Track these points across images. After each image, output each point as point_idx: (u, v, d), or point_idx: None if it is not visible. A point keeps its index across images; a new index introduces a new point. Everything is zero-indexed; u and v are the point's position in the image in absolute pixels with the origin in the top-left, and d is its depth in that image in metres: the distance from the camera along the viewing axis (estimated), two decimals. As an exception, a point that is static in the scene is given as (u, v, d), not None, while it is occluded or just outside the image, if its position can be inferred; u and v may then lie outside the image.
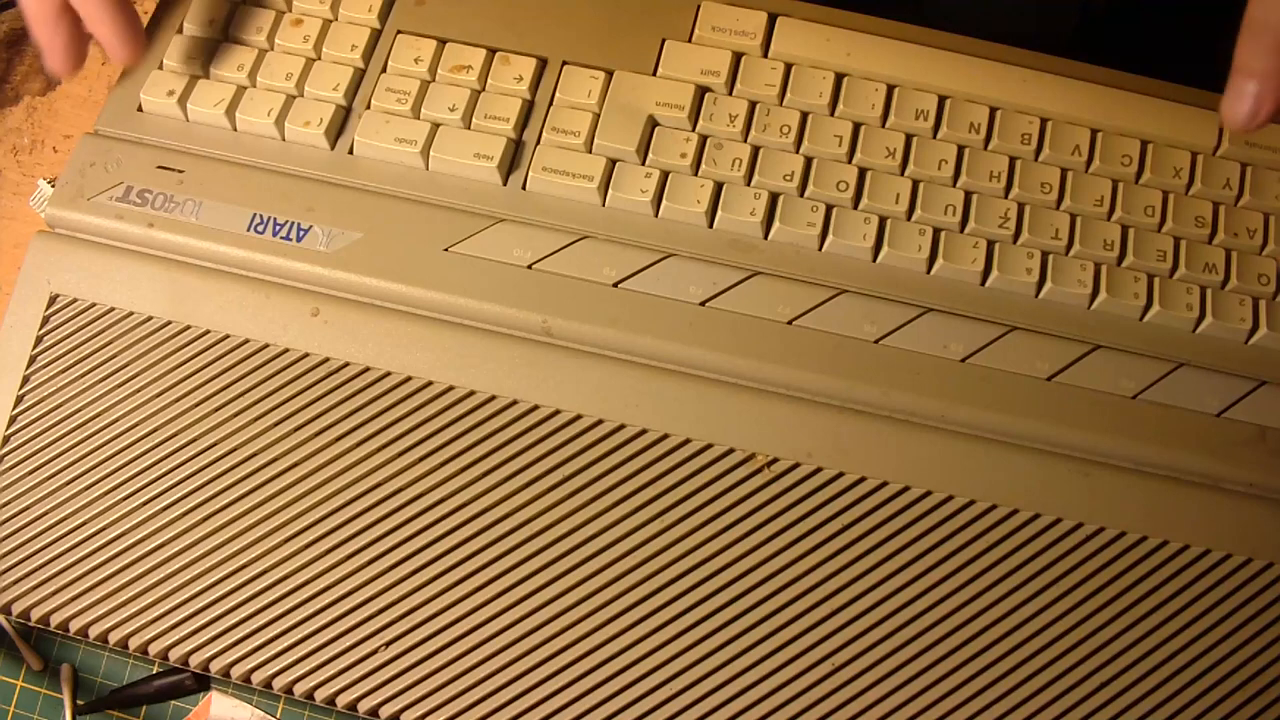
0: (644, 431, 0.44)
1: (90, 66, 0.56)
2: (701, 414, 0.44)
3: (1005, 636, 0.42)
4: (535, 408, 0.45)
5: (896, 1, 0.50)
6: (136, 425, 0.45)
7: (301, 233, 0.47)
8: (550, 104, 0.48)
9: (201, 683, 0.48)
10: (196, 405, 0.45)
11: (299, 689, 0.43)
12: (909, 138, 0.47)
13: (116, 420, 0.45)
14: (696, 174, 0.47)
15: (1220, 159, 0.47)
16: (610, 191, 0.47)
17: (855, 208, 0.46)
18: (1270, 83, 0.38)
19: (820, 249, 0.46)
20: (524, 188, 0.47)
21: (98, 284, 0.47)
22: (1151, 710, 0.41)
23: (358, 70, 0.49)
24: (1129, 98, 0.48)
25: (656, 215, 0.47)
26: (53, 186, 0.48)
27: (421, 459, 0.44)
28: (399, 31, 0.50)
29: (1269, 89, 0.38)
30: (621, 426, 0.44)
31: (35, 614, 0.44)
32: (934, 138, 0.47)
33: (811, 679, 0.42)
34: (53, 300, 0.47)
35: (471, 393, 0.45)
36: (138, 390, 0.46)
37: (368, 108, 0.48)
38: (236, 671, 0.43)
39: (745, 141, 0.47)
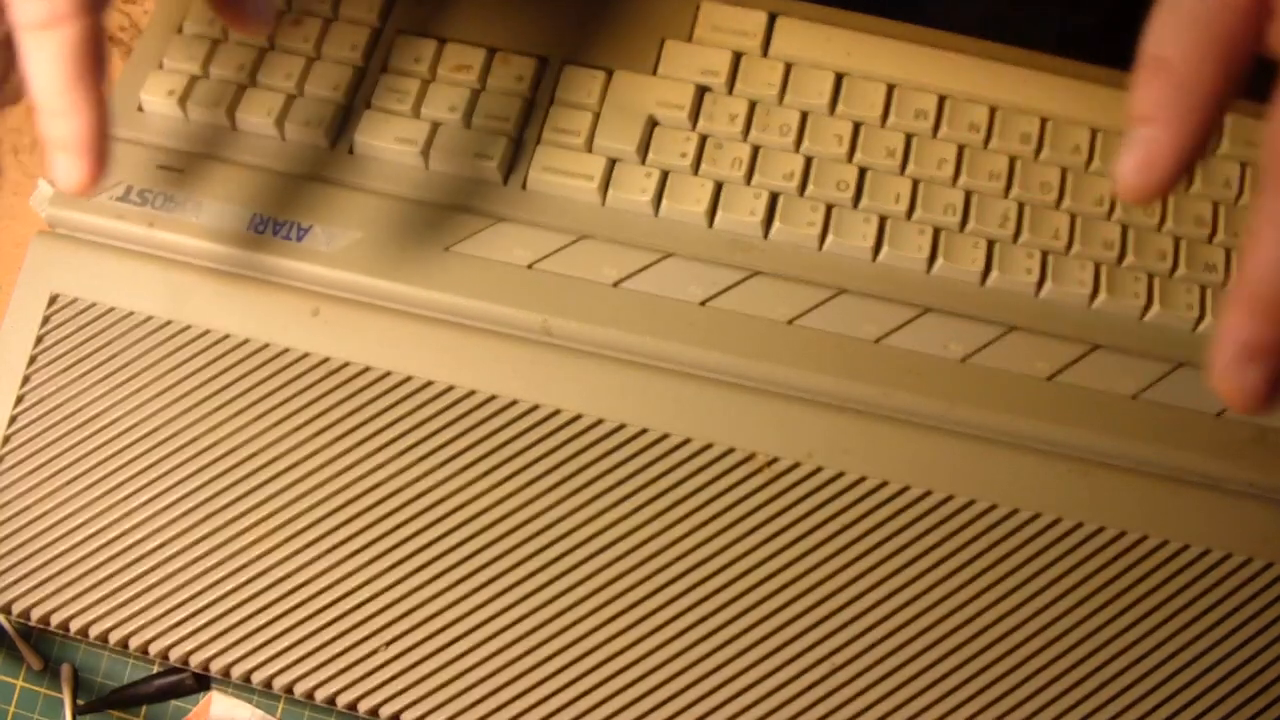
0: (644, 431, 0.44)
1: (90, 66, 0.56)
2: (701, 414, 0.44)
3: (1005, 636, 0.42)
4: (535, 408, 0.45)
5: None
6: (137, 425, 0.45)
7: (301, 233, 0.47)
8: (550, 104, 0.48)
9: (201, 683, 0.48)
10: (196, 405, 0.45)
11: (299, 689, 0.43)
12: (909, 137, 0.47)
13: (117, 420, 0.45)
14: (696, 174, 0.47)
15: (1221, 158, 0.47)
16: (610, 191, 0.47)
17: (855, 207, 0.46)
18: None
19: (820, 249, 0.46)
20: (524, 187, 0.47)
21: (98, 284, 0.47)
22: (1152, 710, 0.41)
23: (358, 70, 0.49)
24: (1129, 97, 0.47)
25: (656, 215, 0.47)
26: (53, 186, 0.48)
27: (421, 459, 0.44)
28: (399, 31, 0.50)
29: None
30: (621, 426, 0.44)
31: (35, 614, 0.44)
32: (934, 138, 0.47)
33: (812, 679, 0.42)
34: (53, 300, 0.47)
35: (471, 393, 0.45)
36: (138, 390, 0.46)
37: (368, 107, 0.48)
38: (236, 671, 0.43)
39: (745, 141, 0.47)
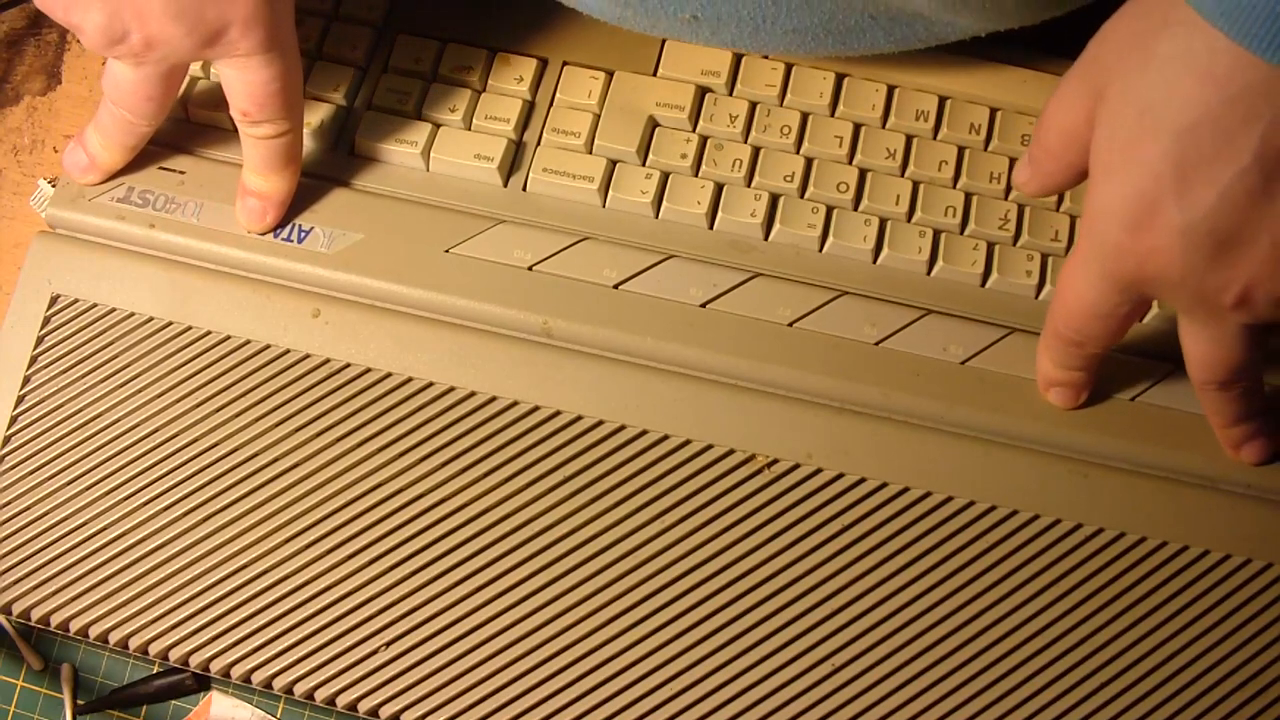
0: (644, 432, 0.44)
1: (91, 66, 0.56)
2: (702, 415, 0.44)
3: (1005, 637, 0.42)
4: (535, 408, 0.45)
5: None
6: (137, 425, 0.45)
7: (302, 234, 0.47)
8: (550, 104, 0.48)
9: (201, 683, 0.48)
10: (197, 406, 0.45)
11: (299, 689, 0.43)
12: (909, 138, 0.47)
13: (117, 420, 0.45)
14: (697, 175, 0.47)
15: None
16: (611, 192, 0.47)
17: (855, 209, 0.46)
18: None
19: (820, 250, 0.46)
20: (524, 189, 0.47)
21: (99, 284, 0.47)
22: (1152, 710, 0.41)
23: (359, 71, 0.49)
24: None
25: (657, 216, 0.47)
26: (53, 186, 0.48)
27: (422, 460, 0.44)
28: (399, 32, 0.50)
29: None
30: (622, 427, 0.44)
31: (35, 614, 0.44)
32: (934, 138, 0.47)
33: (812, 679, 0.42)
34: (54, 300, 0.47)
35: (472, 394, 0.45)
36: (138, 391, 0.46)
37: (369, 109, 0.48)
38: (236, 671, 0.43)
39: (745, 142, 0.47)
